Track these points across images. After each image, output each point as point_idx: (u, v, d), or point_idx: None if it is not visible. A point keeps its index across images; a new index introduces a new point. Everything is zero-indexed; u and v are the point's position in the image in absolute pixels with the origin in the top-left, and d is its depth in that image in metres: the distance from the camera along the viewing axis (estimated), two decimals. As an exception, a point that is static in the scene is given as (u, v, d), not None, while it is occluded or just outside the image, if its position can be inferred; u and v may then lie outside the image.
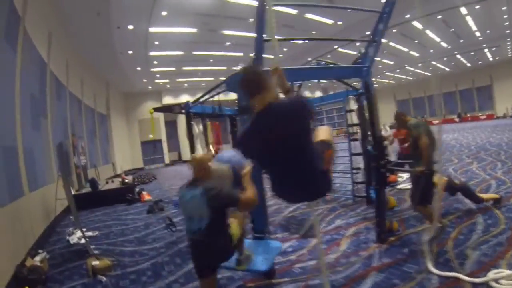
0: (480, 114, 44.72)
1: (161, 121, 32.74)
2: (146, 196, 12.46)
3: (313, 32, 21.32)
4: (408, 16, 19.24)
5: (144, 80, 27.56)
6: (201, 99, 7.86)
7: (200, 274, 3.38)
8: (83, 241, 6.94)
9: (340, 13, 18.58)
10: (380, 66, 35.48)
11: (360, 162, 8.61)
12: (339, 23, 20.39)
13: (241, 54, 24.14)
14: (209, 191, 3.09)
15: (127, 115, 31.33)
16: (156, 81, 28.77)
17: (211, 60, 24.98)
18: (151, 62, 22.53)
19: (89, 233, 8.01)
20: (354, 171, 8.57)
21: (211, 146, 12.55)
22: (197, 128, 7.94)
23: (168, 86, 31.85)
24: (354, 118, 9.46)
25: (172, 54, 21.56)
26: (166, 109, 8.00)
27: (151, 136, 31.63)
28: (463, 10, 21.28)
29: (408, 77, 47.54)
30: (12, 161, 6.57)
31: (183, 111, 7.10)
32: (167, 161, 33.20)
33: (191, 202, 3.19)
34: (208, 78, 30.97)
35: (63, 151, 6.65)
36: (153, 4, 14.17)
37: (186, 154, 33.58)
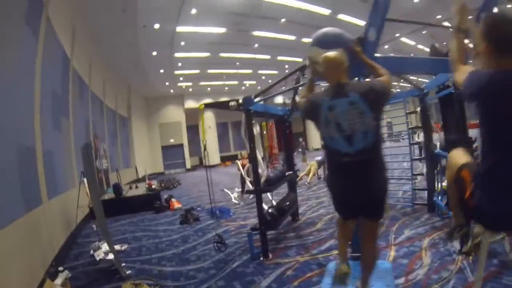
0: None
1: (183, 125, 32.06)
2: (176, 204, 11.57)
3: None
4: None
5: (167, 83, 26.83)
6: (265, 94, 6.98)
7: (348, 213, 3.10)
8: (110, 256, 6.07)
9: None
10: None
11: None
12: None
13: (268, 57, 23.50)
14: (368, 92, 2.73)
15: (148, 118, 30.67)
16: (179, 84, 28.07)
17: (237, 63, 24.12)
18: (175, 64, 21.77)
19: (117, 247, 7.06)
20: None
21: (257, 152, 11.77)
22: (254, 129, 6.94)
23: (190, 90, 31.10)
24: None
25: (197, 55, 20.77)
26: (219, 104, 7.07)
27: (172, 140, 31.02)
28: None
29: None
30: (29, 164, 5.72)
31: (242, 107, 6.12)
32: (188, 166, 32.38)
33: (348, 112, 2.72)
34: (232, 82, 30.21)
35: (89, 154, 5.73)
36: (183, 2, 13.38)
37: (210, 159, 32.70)
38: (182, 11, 14.13)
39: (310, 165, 13.87)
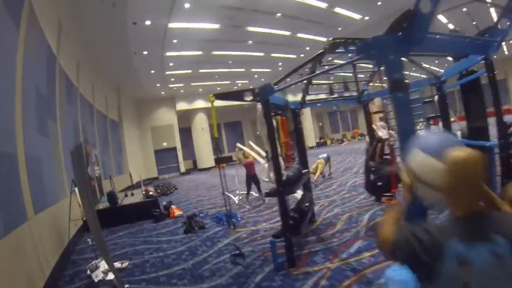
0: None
1: (175, 128, 31.19)
2: (176, 211, 10.71)
3: (339, 29, 20.14)
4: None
5: (158, 84, 25.85)
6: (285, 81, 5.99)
7: None
8: (110, 276, 5.23)
9: (368, 8, 17.70)
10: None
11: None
12: (366, 18, 19.23)
13: (262, 54, 22.70)
14: None
15: (139, 122, 29.73)
16: (170, 85, 27.04)
17: (230, 62, 23.23)
18: (166, 64, 20.81)
19: (117, 264, 6.22)
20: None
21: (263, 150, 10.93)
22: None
23: (182, 91, 30.11)
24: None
25: (190, 54, 19.84)
26: (233, 95, 5.98)
27: (165, 144, 30.15)
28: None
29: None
30: (9, 173, 4.83)
31: (258, 98, 5.28)
32: (182, 169, 31.49)
33: (493, 272, 1.33)
34: (225, 81, 29.41)
35: (80, 158, 4.85)
36: (176, -6, 12.52)
37: (203, 162, 32.04)
38: (175, 6, 13.22)
39: (317, 163, 13.32)
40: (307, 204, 6.54)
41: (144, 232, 8.97)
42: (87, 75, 14.62)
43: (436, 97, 7.01)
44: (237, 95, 5.71)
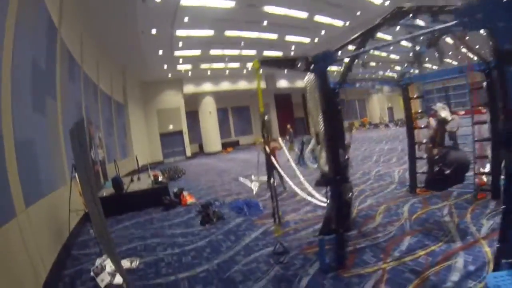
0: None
1: (182, 111, 30.38)
2: (189, 198, 9.91)
3: (322, 33, 21.69)
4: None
5: (165, 66, 24.90)
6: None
7: None
8: (119, 279, 4.45)
9: (348, 15, 18.93)
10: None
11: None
12: (347, 24, 20.28)
13: (276, 36, 21.66)
14: None
15: (145, 105, 28.75)
16: (178, 67, 26.07)
17: (242, 43, 22.19)
18: (176, 44, 19.82)
19: (126, 263, 5.39)
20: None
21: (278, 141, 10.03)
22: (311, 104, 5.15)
23: (190, 73, 29.11)
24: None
25: (201, 34, 18.84)
26: (283, 62, 4.92)
27: (171, 127, 29.36)
28: None
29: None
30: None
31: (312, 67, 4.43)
32: (188, 153, 30.71)
33: None
34: (234, 64, 28.32)
35: (81, 136, 3.96)
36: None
37: (209, 146, 31.30)
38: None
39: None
40: (350, 195, 5.70)
41: (154, 222, 8.14)
42: (91, 53, 13.74)
43: (484, 83, 6.25)
44: (288, 62, 4.83)
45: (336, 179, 4.47)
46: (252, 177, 12.72)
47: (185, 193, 10.17)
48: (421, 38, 5.19)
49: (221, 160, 24.08)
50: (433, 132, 5.93)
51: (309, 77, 4.63)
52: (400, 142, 19.62)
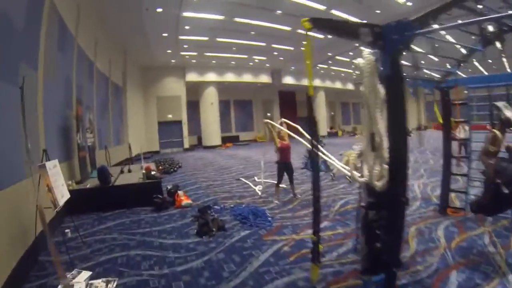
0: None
1: (183, 100, 29.08)
2: (184, 199, 8.53)
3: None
4: None
5: (168, 51, 23.40)
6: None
7: None
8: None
9: (366, 13, 17.67)
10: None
11: None
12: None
13: (289, 28, 20.40)
14: None
15: (144, 90, 27.41)
16: (182, 53, 24.63)
17: (252, 33, 20.84)
18: (182, 27, 18.42)
19: (100, 285, 4.11)
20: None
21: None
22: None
23: (193, 61, 27.74)
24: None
25: (210, 17, 17.44)
26: (342, 27, 3.38)
27: (170, 116, 28.05)
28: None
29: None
30: None
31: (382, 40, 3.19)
32: (186, 145, 29.40)
33: None
34: (241, 55, 26.95)
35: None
36: None
37: (209, 139, 30.08)
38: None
39: (348, 156, 11.27)
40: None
41: (142, 226, 6.81)
42: (89, 27, 12.40)
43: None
44: (349, 28, 3.54)
45: (401, 200, 3.21)
46: (255, 178, 11.52)
47: (180, 192, 8.83)
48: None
49: (221, 155, 22.78)
50: (491, 139, 4.61)
51: (369, 56, 3.35)
52: (411, 152, 18.31)
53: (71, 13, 9.78)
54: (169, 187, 9.14)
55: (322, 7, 17.26)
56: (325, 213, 7.14)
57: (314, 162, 4.59)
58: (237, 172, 13.81)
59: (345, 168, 6.00)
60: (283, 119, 9.32)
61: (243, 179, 11.77)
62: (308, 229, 6.06)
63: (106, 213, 7.81)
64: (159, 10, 15.39)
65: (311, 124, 4.25)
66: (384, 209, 3.35)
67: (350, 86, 43.48)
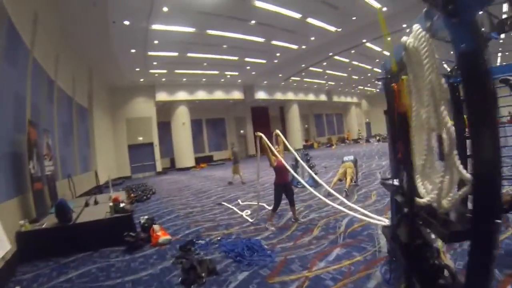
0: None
1: (153, 121, 27.66)
2: (162, 234, 7.05)
3: (312, 38, 20.46)
4: None
5: (137, 68, 22.14)
6: None
7: None
8: None
9: (343, 20, 17.75)
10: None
11: None
12: (339, 29, 19.35)
13: (262, 40, 19.75)
14: None
15: (113, 112, 25.82)
16: (151, 71, 23.41)
17: (225, 46, 19.89)
18: (151, 41, 17.22)
19: None
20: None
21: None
22: None
23: (163, 79, 26.52)
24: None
25: (180, 30, 16.36)
26: None
27: (141, 139, 26.59)
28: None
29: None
30: None
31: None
32: (159, 168, 27.76)
33: None
34: (213, 71, 25.99)
35: None
36: None
37: (182, 161, 28.68)
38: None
39: (345, 167, 10.49)
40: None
41: (112, 276, 5.33)
42: (49, 40, 11.04)
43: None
44: None
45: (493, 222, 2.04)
46: (239, 202, 10.27)
47: (155, 226, 7.34)
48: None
49: (196, 177, 21.35)
50: None
51: (421, 32, 2.30)
52: None
53: (25, 20, 8.51)
54: (142, 221, 7.62)
55: (297, 15, 16.67)
56: (331, 237, 6.05)
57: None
58: (216, 196, 12.46)
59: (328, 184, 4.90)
60: (277, 131, 8.02)
61: (225, 204, 10.46)
62: (319, 261, 4.90)
63: (68, 258, 6.28)
64: (127, 23, 14.23)
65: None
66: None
67: (323, 97, 43.39)
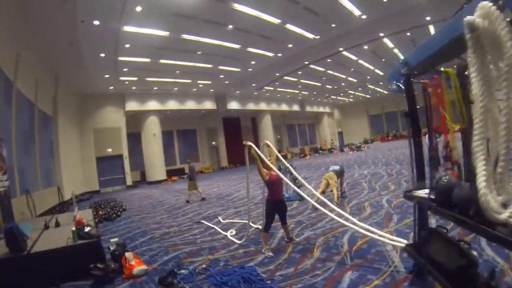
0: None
1: (123, 132, 26.37)
2: (136, 264, 5.85)
3: (289, 46, 20.33)
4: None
5: (106, 75, 20.99)
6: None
7: None
8: None
9: (322, 26, 17.67)
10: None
11: None
12: (317, 37, 19.34)
13: (238, 46, 19.22)
14: None
15: (80, 121, 24.34)
16: (121, 78, 22.25)
17: (199, 52, 19.11)
18: (121, 46, 16.17)
19: None
20: None
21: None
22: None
23: (133, 88, 25.44)
24: None
25: (154, 33, 15.44)
26: None
27: (109, 150, 25.27)
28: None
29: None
30: None
31: None
32: (129, 182, 26.33)
33: None
34: (185, 79, 25.26)
35: None
36: None
37: (153, 174, 27.42)
38: None
39: (327, 178, 9.58)
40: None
41: None
42: (9, 36, 9.90)
43: None
44: None
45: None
46: (220, 219, 9.24)
47: (128, 254, 6.04)
48: None
49: (169, 191, 20.08)
50: None
51: (493, 10, 2.00)
52: (376, 166, 18.02)
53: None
54: (112, 247, 6.39)
55: (277, 21, 16.24)
56: (336, 258, 5.18)
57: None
58: (193, 212, 11.29)
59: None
60: (266, 141, 7.08)
61: (205, 222, 9.33)
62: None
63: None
64: (96, 22, 13.16)
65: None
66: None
67: (296, 107, 43.52)
